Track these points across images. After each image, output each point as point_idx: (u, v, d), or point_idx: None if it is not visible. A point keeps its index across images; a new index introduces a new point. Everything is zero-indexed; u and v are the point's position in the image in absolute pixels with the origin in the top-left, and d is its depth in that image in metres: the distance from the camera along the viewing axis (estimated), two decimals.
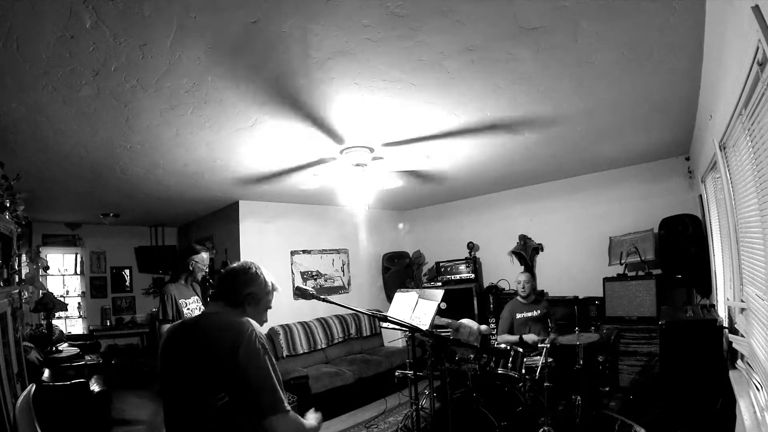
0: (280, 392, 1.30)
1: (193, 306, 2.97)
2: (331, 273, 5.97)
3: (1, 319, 2.59)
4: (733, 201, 2.17)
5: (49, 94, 2.09)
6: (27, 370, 3.18)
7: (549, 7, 1.65)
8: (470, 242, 5.99)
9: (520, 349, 3.12)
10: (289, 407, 1.31)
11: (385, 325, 2.36)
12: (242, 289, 1.45)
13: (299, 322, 5.21)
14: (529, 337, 3.75)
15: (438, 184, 4.89)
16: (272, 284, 1.54)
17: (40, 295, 4.92)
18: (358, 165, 3.33)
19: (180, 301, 2.89)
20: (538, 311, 3.96)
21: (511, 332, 4.08)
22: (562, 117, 2.94)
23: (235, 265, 1.53)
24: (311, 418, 1.49)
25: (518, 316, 4.05)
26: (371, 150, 3.31)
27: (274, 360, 1.34)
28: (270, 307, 1.55)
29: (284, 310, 5.22)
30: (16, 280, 3.30)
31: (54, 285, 6.22)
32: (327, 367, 4.86)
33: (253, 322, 1.39)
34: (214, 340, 1.33)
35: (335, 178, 3.74)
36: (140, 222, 6.64)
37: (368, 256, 6.46)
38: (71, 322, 6.38)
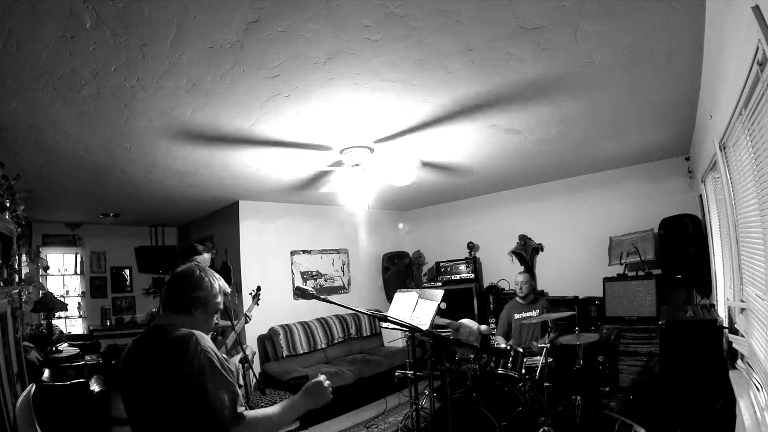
0: (231, 403, 1.26)
1: None
2: (331, 273, 5.97)
3: (1, 319, 2.59)
4: (733, 201, 2.17)
5: (49, 94, 2.09)
6: (27, 370, 3.18)
7: (549, 7, 1.65)
8: (470, 242, 5.99)
9: (520, 349, 3.12)
10: (242, 414, 1.28)
11: (385, 325, 2.36)
12: (187, 294, 1.40)
13: (299, 322, 5.21)
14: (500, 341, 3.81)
15: (448, 177, 4.89)
16: (220, 287, 1.49)
17: (40, 295, 4.92)
18: (357, 165, 3.34)
19: None
20: (537, 311, 3.96)
21: (508, 333, 4.11)
22: (562, 117, 2.94)
23: (179, 269, 1.48)
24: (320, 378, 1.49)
25: (516, 316, 4.06)
26: (371, 150, 3.31)
27: (223, 372, 1.29)
28: (219, 310, 1.49)
29: (284, 310, 5.23)
30: (16, 280, 3.30)
31: (54, 285, 6.21)
32: (327, 367, 4.87)
33: (198, 334, 1.32)
34: (161, 359, 1.28)
35: (335, 178, 3.74)
36: (140, 222, 6.64)
37: (368, 256, 6.46)
38: (71, 322, 6.37)
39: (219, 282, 1.49)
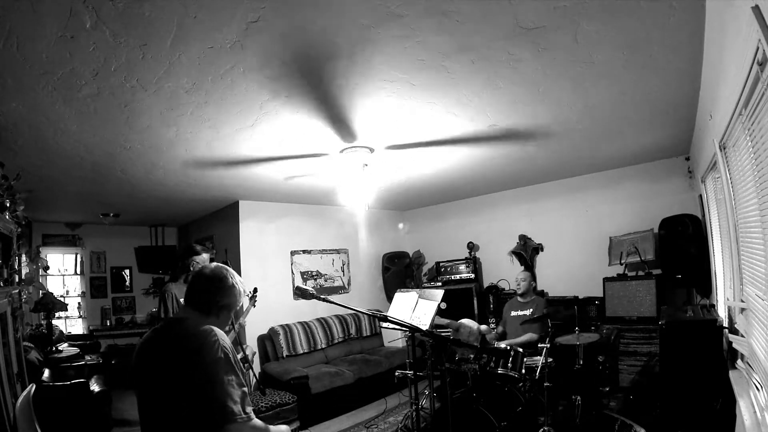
0: (241, 402, 1.28)
1: None
2: (331, 273, 5.97)
3: (1, 319, 2.59)
4: (733, 201, 2.17)
5: (49, 94, 2.09)
6: (27, 370, 3.18)
7: (549, 7, 1.65)
8: (470, 242, 5.99)
9: (520, 349, 3.13)
10: (250, 416, 1.30)
11: (385, 325, 2.36)
12: (217, 301, 1.43)
13: (299, 322, 5.21)
14: (497, 340, 3.84)
15: (448, 177, 4.87)
16: (243, 290, 1.52)
17: (40, 295, 4.92)
18: (358, 165, 3.33)
19: (180, 300, 2.88)
20: (530, 310, 3.97)
21: (504, 329, 4.17)
22: (562, 117, 2.93)
23: (208, 271, 1.48)
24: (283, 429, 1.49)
25: (512, 314, 4.10)
26: (371, 150, 3.31)
27: (236, 369, 1.32)
28: (236, 309, 1.54)
29: (284, 310, 5.23)
30: (16, 280, 3.29)
31: (54, 285, 6.21)
32: (327, 367, 4.86)
33: (217, 330, 1.36)
34: (179, 350, 1.32)
35: (335, 178, 3.74)
36: (140, 222, 6.64)
37: (368, 256, 6.46)
38: (71, 322, 6.38)
39: (242, 285, 1.53)
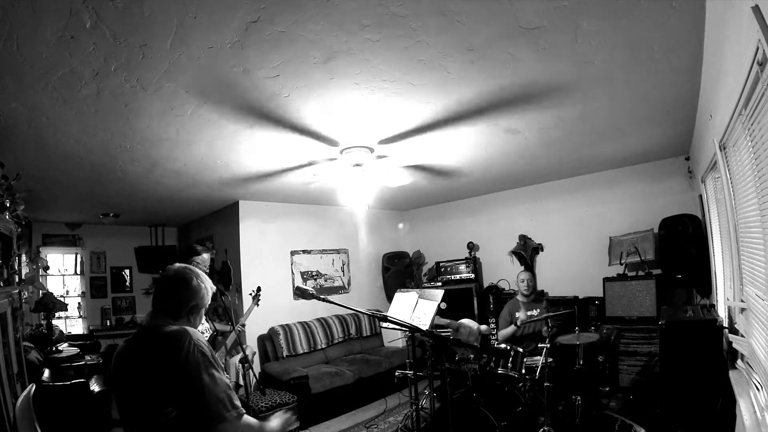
0: (227, 399, 1.28)
1: None
2: (331, 273, 5.97)
3: (1, 319, 2.59)
4: (733, 201, 2.17)
5: (49, 94, 2.09)
6: (27, 370, 3.18)
7: (549, 7, 1.65)
8: (470, 242, 5.99)
9: (520, 349, 3.12)
10: (239, 412, 1.29)
11: (385, 325, 2.36)
12: (185, 304, 1.42)
13: (299, 322, 5.21)
14: (521, 315, 3.81)
15: (447, 179, 4.89)
16: (210, 288, 1.51)
17: (40, 295, 4.92)
18: (357, 165, 3.33)
19: None
20: (539, 310, 3.96)
21: (517, 329, 4.10)
22: (562, 117, 2.94)
23: (171, 274, 1.46)
24: (276, 417, 1.47)
25: (518, 315, 4.05)
26: (371, 150, 3.31)
27: (216, 367, 1.32)
28: (206, 306, 1.53)
29: (284, 310, 5.23)
30: (16, 280, 3.29)
31: (54, 285, 6.21)
32: (327, 367, 4.86)
33: (191, 331, 1.35)
34: (154, 355, 1.30)
35: (335, 178, 3.74)
36: (140, 222, 6.64)
37: (368, 256, 6.46)
38: (71, 322, 6.37)
39: (208, 284, 1.53)
